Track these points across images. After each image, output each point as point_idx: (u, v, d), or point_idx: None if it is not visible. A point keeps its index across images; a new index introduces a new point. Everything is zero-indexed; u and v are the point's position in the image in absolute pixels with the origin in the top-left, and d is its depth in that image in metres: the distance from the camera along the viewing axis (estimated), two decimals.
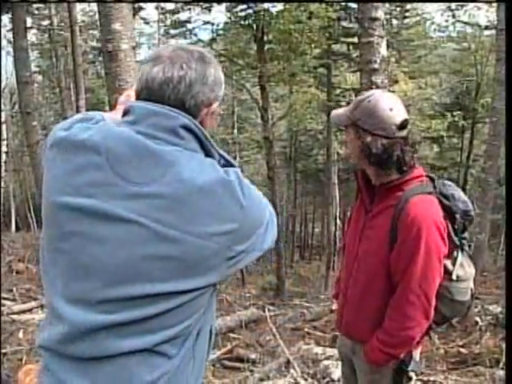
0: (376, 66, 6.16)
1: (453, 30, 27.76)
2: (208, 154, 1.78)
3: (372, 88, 6.02)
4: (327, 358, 8.11)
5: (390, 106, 2.90)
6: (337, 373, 6.64)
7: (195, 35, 22.83)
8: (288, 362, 8.54)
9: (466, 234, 3.03)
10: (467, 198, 3.03)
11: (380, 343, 2.92)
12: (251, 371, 8.32)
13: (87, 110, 26.55)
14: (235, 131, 31.73)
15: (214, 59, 1.87)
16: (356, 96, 3.39)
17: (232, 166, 1.84)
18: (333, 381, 6.99)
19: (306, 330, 11.41)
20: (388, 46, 22.91)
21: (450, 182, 3.09)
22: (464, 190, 27.23)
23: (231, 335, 10.52)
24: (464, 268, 3.01)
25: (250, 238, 1.75)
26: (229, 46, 20.67)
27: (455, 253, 2.97)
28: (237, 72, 22.34)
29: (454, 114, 23.24)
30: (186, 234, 1.60)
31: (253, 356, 8.94)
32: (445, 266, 2.90)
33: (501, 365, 7.45)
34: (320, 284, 22.36)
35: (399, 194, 2.90)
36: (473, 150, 26.97)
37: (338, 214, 27.61)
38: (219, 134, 36.21)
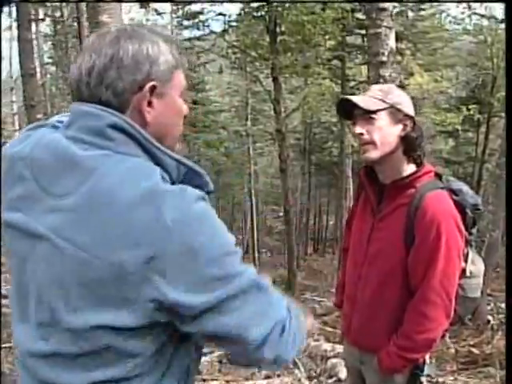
0: (384, 58, 5.94)
1: (469, 22, 27.43)
2: (156, 159, 1.50)
3: (380, 82, 5.90)
4: (335, 356, 8.03)
5: None
6: (344, 372, 6.51)
7: (208, 26, 22.83)
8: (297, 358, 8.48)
9: (474, 230, 2.93)
10: (474, 193, 2.95)
11: (398, 349, 2.78)
12: (259, 367, 8.25)
13: None
14: (249, 123, 31.51)
15: (141, 33, 1.56)
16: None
17: (199, 175, 1.58)
18: (339, 381, 6.91)
19: (316, 325, 11.33)
20: (403, 39, 22.89)
21: (453, 178, 3.00)
22: (479, 184, 27.11)
23: None
24: (475, 264, 2.94)
25: (197, 284, 1.37)
26: (241, 38, 20.46)
27: (465, 249, 2.88)
28: (250, 63, 22.22)
29: (470, 107, 23.01)
30: (95, 257, 1.33)
31: None
32: None
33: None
34: (332, 277, 22.08)
35: (411, 191, 2.79)
36: (488, 144, 26.70)
37: (351, 207, 27.27)
38: (233, 125, 36.18)
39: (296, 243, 30.62)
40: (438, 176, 2.90)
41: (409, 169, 2.85)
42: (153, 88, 1.53)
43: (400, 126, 2.80)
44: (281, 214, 33.05)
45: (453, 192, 2.83)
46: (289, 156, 20.56)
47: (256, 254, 28.95)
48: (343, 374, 6.71)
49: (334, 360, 7.66)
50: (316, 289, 18.36)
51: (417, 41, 25.66)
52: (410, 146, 2.81)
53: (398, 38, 23.14)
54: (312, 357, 8.31)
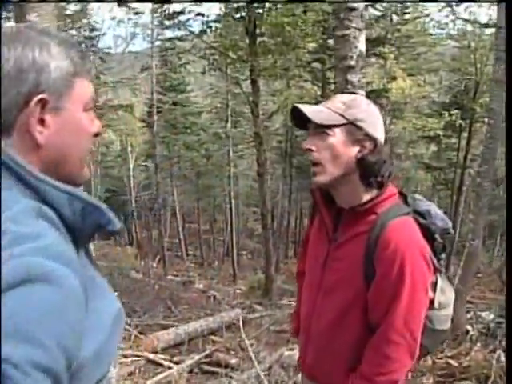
0: (352, 62, 5.41)
1: (452, 27, 27.44)
2: (37, 193, 1.21)
3: (347, 88, 5.43)
4: None
5: None
6: None
7: (189, 26, 22.56)
8: (270, 368, 8.28)
9: (444, 255, 2.62)
10: (444, 214, 2.60)
11: None
12: (230, 377, 8.05)
13: None
14: (229, 125, 31.22)
15: (27, 35, 1.25)
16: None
17: (100, 211, 1.26)
18: None
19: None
20: (386, 43, 22.82)
21: (420, 196, 2.65)
22: (460, 190, 27.13)
23: (212, 338, 10.26)
24: (445, 293, 2.61)
25: None
26: (220, 39, 20.11)
27: (434, 277, 2.54)
28: (230, 65, 21.96)
29: (452, 113, 22.94)
30: None
31: (233, 361, 8.68)
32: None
33: (489, 382, 7.17)
34: None
35: (372, 217, 2.40)
36: (470, 150, 26.68)
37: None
38: (213, 127, 36.04)
39: (277, 246, 30.62)
40: (403, 196, 2.57)
41: (369, 194, 2.46)
42: (44, 102, 1.24)
43: (357, 148, 2.39)
44: None
45: (420, 215, 2.50)
46: (267, 160, 20.19)
47: (235, 257, 28.69)
48: None
49: None
50: (294, 294, 18.08)
51: (400, 45, 25.61)
52: (366, 171, 2.40)
53: (380, 42, 23.25)
54: (284, 367, 8.12)
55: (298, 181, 39.46)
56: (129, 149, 35.49)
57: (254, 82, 18.81)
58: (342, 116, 2.37)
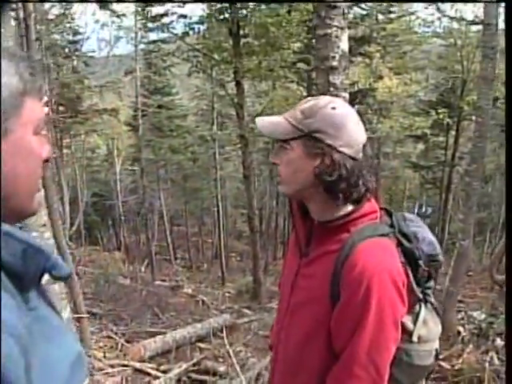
0: (334, 63, 5.12)
1: (439, 25, 27.40)
2: None
3: (329, 90, 5.16)
4: None
5: (356, 118, 2.19)
6: None
7: (173, 28, 22.33)
8: (259, 374, 8.18)
9: (431, 283, 2.36)
10: (434, 238, 2.36)
11: None
12: None
13: (62, 105, 26.24)
14: (214, 127, 31.05)
15: None
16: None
17: (44, 255, 1.13)
18: None
19: None
20: (372, 41, 22.77)
21: (412, 216, 2.40)
22: (449, 189, 27.12)
23: (201, 345, 10.15)
24: (427, 325, 2.31)
25: None
26: (203, 41, 19.94)
27: (417, 307, 2.29)
28: (215, 67, 21.81)
29: (439, 111, 22.86)
30: None
31: (221, 369, 8.58)
32: (403, 325, 2.19)
33: None
34: None
35: (344, 236, 2.15)
36: (458, 148, 26.66)
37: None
38: (199, 130, 35.93)
39: (266, 248, 30.56)
40: (389, 214, 2.33)
41: (342, 209, 2.21)
42: None
43: (317, 161, 2.13)
44: None
45: (405, 237, 2.25)
46: (252, 162, 20.03)
47: (224, 260, 28.56)
48: None
49: None
50: None
51: (386, 44, 25.52)
52: (329, 186, 2.14)
53: (365, 41, 23.19)
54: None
55: None
56: (115, 153, 35.26)
57: (238, 84, 18.65)
58: (296, 128, 2.15)
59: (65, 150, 29.85)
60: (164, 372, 8.48)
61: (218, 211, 30.51)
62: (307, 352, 2.25)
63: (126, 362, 8.59)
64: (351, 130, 2.13)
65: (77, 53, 29.66)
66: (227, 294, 19.88)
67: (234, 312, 14.59)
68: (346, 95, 5.35)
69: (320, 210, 2.24)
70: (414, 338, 2.25)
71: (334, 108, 2.14)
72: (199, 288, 21.38)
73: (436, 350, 2.38)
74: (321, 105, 2.16)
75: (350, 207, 2.19)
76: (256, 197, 20.47)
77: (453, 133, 27.16)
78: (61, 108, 26.26)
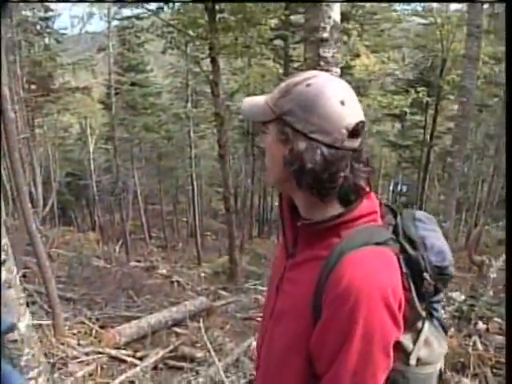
0: (325, 34, 4.66)
1: (418, 3, 27.19)
2: None
3: (320, 65, 4.73)
4: None
5: (342, 97, 1.76)
6: None
7: (147, 4, 21.89)
8: (237, 360, 8.06)
9: (439, 297, 1.96)
10: (446, 246, 1.95)
11: None
12: (196, 373, 7.78)
13: (34, 83, 25.83)
14: (189, 105, 30.74)
15: None
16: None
17: None
18: None
19: (259, 319, 11.01)
20: (350, 19, 22.62)
21: (423, 215, 2.03)
22: (426, 168, 27.12)
23: (177, 330, 9.96)
24: (430, 346, 1.94)
25: None
26: (178, 16, 19.51)
27: (420, 324, 1.91)
28: (189, 43, 21.46)
29: (418, 90, 22.72)
30: None
31: (199, 355, 8.42)
32: (400, 344, 1.84)
33: (467, 372, 6.93)
34: None
35: (334, 241, 1.81)
36: (436, 127, 26.65)
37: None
38: (173, 107, 35.64)
39: (241, 227, 30.47)
40: (393, 214, 1.99)
41: (334, 208, 1.85)
42: None
43: (287, 148, 1.80)
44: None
45: (410, 243, 1.90)
46: (228, 141, 19.70)
47: (199, 238, 28.42)
48: None
49: None
50: (260, 276, 17.90)
51: (364, 21, 25.36)
52: (295, 178, 1.81)
53: (344, 18, 22.97)
54: (253, 359, 7.91)
55: (260, 160, 39.47)
56: (88, 132, 34.83)
57: (213, 61, 18.20)
58: (271, 109, 1.84)
59: (37, 130, 29.51)
60: (140, 359, 8.28)
61: (193, 190, 30.33)
62: (286, 368, 1.91)
63: (100, 349, 8.36)
64: (327, 112, 1.74)
65: (48, 30, 29.22)
66: (203, 275, 19.72)
67: (211, 293, 14.43)
68: (338, 70, 4.94)
69: (305, 208, 1.92)
70: (412, 361, 1.89)
71: (308, 85, 1.79)
72: (174, 268, 21.18)
73: (440, 370, 2.02)
74: (296, 81, 1.83)
75: (340, 207, 1.86)
76: (231, 175, 20.17)
77: (431, 112, 27.11)
78: (32, 86, 25.90)
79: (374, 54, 23.28)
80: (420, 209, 27.04)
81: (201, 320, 10.00)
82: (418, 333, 1.90)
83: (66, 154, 38.97)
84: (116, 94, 28.45)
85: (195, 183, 30.31)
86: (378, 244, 1.78)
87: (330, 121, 1.73)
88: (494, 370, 7.15)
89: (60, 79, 29.23)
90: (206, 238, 35.40)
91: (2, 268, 4.54)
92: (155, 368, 8.09)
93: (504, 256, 11.66)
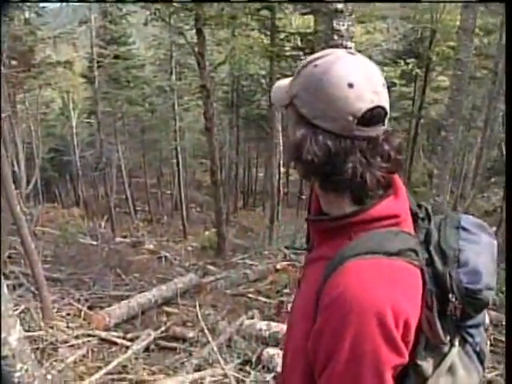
0: (339, 5, 4.25)
1: None
2: None
3: (333, 39, 4.36)
4: (273, 342, 7.63)
5: (352, 79, 1.52)
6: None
7: None
8: (229, 340, 7.97)
9: (475, 321, 1.67)
10: (487, 265, 1.63)
11: None
12: (190, 354, 7.68)
13: (14, 59, 25.39)
14: (173, 77, 30.38)
15: None
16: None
17: None
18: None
19: (249, 295, 10.94)
20: None
21: (471, 221, 1.73)
22: (415, 141, 27.06)
23: (167, 309, 9.84)
24: (455, 375, 1.63)
25: None
26: None
27: (446, 348, 1.62)
28: (174, 14, 21.06)
29: (408, 61, 22.54)
30: None
31: (191, 334, 8.30)
32: (419, 368, 1.56)
33: None
34: (264, 236, 21.58)
35: (344, 242, 1.57)
36: (425, 99, 26.62)
37: (281, 162, 26.61)
38: (157, 80, 35.32)
39: (227, 199, 30.39)
40: (428, 216, 1.75)
41: (345, 206, 1.64)
42: None
43: (302, 131, 1.59)
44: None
45: (441, 254, 1.63)
46: (214, 114, 19.39)
47: (185, 211, 28.34)
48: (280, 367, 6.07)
49: (271, 351, 7.11)
50: (247, 250, 17.83)
51: None
52: (306, 167, 1.61)
53: None
54: (247, 339, 7.79)
55: (245, 131, 39.36)
56: (71, 106, 34.55)
57: (199, 32, 17.88)
58: (287, 93, 1.68)
59: (18, 106, 29.11)
60: (131, 340, 8.13)
61: (178, 163, 30.11)
62: (294, 370, 1.69)
63: (90, 332, 8.19)
64: (332, 96, 1.53)
65: (28, 3, 28.70)
66: (190, 249, 19.58)
67: (199, 269, 14.28)
68: (352, 45, 4.59)
69: (323, 201, 1.73)
70: None
71: (316, 66, 1.60)
72: (161, 243, 21.07)
73: None
74: (307, 61, 1.65)
75: (351, 205, 1.62)
76: (216, 147, 19.91)
77: (419, 83, 27.06)
78: (13, 62, 25.47)
79: (361, 24, 23.05)
80: (408, 180, 27.02)
81: (196, 300, 9.92)
82: (442, 357, 1.63)
83: (48, 130, 38.67)
84: (98, 67, 28.05)
85: (180, 156, 30.10)
86: (388, 254, 1.51)
87: (334, 106, 1.53)
88: (491, 348, 7.05)
89: (41, 54, 28.73)
90: (190, 210, 35.38)
91: None
92: (147, 349, 7.96)
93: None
